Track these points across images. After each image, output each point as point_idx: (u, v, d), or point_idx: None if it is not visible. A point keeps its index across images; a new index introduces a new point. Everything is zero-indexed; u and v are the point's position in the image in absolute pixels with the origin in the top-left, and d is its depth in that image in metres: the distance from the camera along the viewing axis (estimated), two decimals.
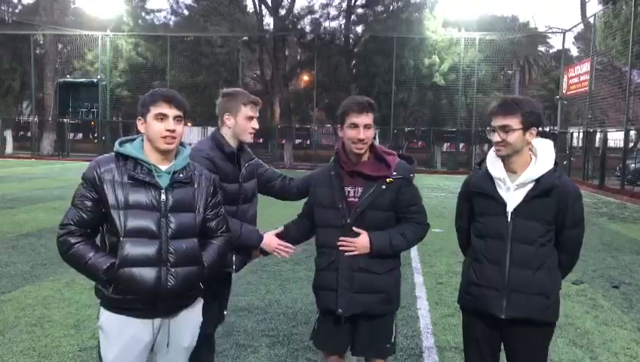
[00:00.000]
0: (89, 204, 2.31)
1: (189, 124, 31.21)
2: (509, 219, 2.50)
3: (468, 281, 2.66)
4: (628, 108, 19.63)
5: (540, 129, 2.57)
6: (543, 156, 2.51)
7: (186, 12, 34.17)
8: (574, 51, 37.95)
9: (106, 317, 2.37)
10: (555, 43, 58.03)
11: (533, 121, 2.45)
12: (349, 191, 2.81)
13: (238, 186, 3.02)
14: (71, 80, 31.80)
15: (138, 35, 31.22)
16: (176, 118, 2.35)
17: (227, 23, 31.95)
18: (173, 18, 34.31)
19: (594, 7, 32.34)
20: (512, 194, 2.50)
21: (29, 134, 34.95)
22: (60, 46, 33.99)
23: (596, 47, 22.60)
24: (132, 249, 2.25)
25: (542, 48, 44.38)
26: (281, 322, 4.84)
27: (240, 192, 3.03)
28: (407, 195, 2.81)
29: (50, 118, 32.18)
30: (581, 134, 24.41)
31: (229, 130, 3.03)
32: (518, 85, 33.12)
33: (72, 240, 2.30)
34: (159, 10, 36.90)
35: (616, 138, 24.15)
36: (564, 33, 28.83)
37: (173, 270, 2.30)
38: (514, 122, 2.44)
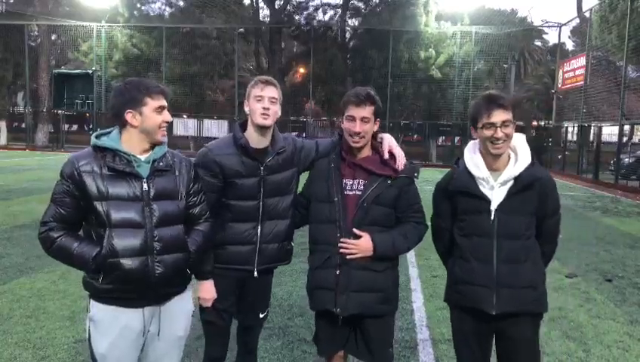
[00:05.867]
0: (68, 200, 2.30)
1: (185, 116, 31.13)
2: (493, 217, 2.49)
3: (456, 279, 2.64)
4: (622, 102, 19.66)
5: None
6: (521, 152, 2.52)
7: (181, 3, 33.96)
8: (570, 45, 37.89)
9: (97, 308, 2.38)
10: (551, 37, 58.14)
11: (517, 114, 2.43)
12: (346, 184, 2.74)
13: (258, 180, 2.78)
14: (65, 71, 31.50)
15: (133, 26, 31.00)
16: (168, 109, 2.42)
17: (223, 15, 31.79)
18: (168, 9, 34.13)
19: (590, 1, 32.31)
20: (496, 192, 2.50)
21: (23, 125, 34.73)
22: (54, 37, 33.70)
23: (592, 41, 22.59)
24: (118, 240, 2.27)
25: (538, 42, 44.35)
26: (276, 315, 4.84)
27: (261, 186, 2.79)
28: (409, 194, 2.78)
29: (44, 110, 31.97)
30: (576, 128, 24.45)
31: (248, 117, 2.81)
32: (514, 79, 33.08)
33: (54, 234, 2.32)
34: (154, 2, 36.64)
35: (610, 132, 24.16)
36: (560, 27, 28.85)
37: (159, 258, 2.32)
38: (511, 115, 2.43)
